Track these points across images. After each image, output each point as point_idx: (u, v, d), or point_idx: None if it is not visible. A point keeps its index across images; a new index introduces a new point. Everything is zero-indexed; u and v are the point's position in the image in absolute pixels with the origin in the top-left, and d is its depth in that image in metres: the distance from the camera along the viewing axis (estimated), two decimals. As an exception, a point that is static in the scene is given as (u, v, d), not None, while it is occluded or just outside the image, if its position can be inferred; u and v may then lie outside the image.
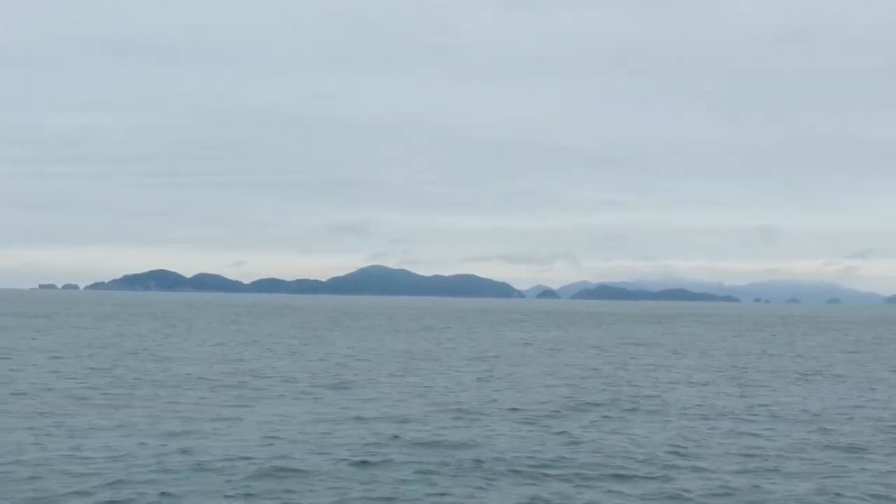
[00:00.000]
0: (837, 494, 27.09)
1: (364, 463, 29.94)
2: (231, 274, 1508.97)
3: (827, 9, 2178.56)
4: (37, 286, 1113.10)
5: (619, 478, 28.77)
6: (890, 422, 41.91)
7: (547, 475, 28.92)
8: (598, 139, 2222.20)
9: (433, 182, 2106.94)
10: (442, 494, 26.33)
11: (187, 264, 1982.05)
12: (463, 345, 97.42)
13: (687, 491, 27.09)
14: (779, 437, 37.08)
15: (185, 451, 31.17)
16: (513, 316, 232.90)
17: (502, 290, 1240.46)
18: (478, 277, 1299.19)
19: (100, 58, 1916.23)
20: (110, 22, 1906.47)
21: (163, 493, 25.60)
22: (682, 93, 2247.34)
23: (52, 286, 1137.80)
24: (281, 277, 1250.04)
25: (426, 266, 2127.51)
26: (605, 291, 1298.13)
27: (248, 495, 25.67)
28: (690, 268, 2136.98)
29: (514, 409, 43.27)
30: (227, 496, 25.53)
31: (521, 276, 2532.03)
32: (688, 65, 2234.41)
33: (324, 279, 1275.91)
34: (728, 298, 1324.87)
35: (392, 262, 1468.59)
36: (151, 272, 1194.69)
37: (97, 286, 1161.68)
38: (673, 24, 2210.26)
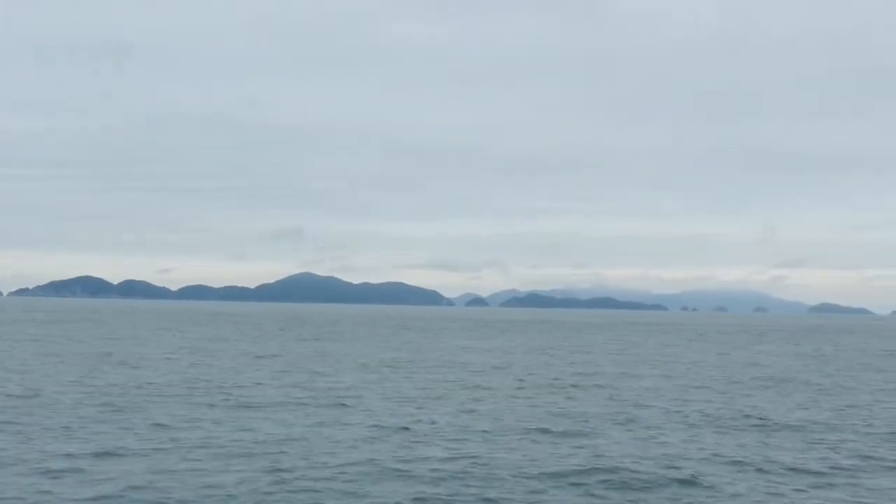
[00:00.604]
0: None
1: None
2: (158, 280, 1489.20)
3: (764, 16, 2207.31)
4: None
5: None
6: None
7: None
8: (530, 147, 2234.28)
9: (365, 189, 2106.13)
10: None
11: (114, 270, 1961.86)
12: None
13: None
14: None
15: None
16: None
17: (431, 297, 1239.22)
18: (407, 285, 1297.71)
19: (33, 61, 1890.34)
20: (45, 24, 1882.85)
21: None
22: (615, 101, 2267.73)
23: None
24: (208, 284, 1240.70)
25: (355, 273, 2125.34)
26: (535, 299, 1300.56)
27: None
28: (619, 276, 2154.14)
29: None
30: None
31: (450, 283, 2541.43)
32: (621, 73, 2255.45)
33: (252, 286, 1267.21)
34: (656, 307, 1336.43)
35: (321, 270, 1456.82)
36: (78, 278, 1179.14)
37: (22, 292, 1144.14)
38: (608, 32, 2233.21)
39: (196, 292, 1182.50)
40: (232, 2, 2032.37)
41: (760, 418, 46.91)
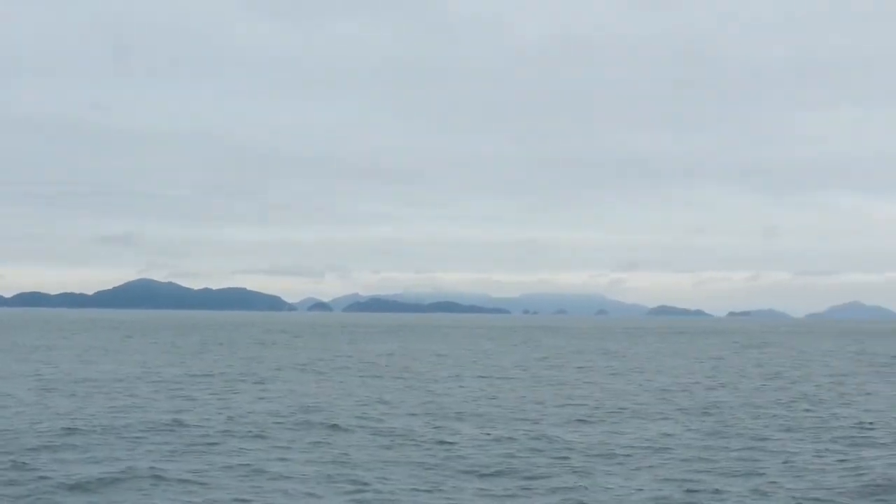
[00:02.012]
0: None
1: None
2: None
3: (599, 24, 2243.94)
4: None
5: None
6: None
7: None
8: (371, 152, 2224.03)
9: (206, 194, 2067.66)
10: None
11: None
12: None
13: None
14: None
15: None
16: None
17: (273, 303, 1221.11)
18: (248, 290, 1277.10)
19: None
20: None
21: None
22: (456, 107, 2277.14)
23: None
24: (44, 291, 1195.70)
25: (195, 279, 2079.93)
26: (377, 304, 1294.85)
27: None
28: (460, 280, 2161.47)
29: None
30: None
31: (292, 288, 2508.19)
32: (463, 79, 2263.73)
33: (90, 292, 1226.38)
34: (497, 310, 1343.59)
35: (161, 275, 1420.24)
36: None
37: None
38: (448, 39, 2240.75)
39: (31, 299, 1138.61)
40: (73, 1, 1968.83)
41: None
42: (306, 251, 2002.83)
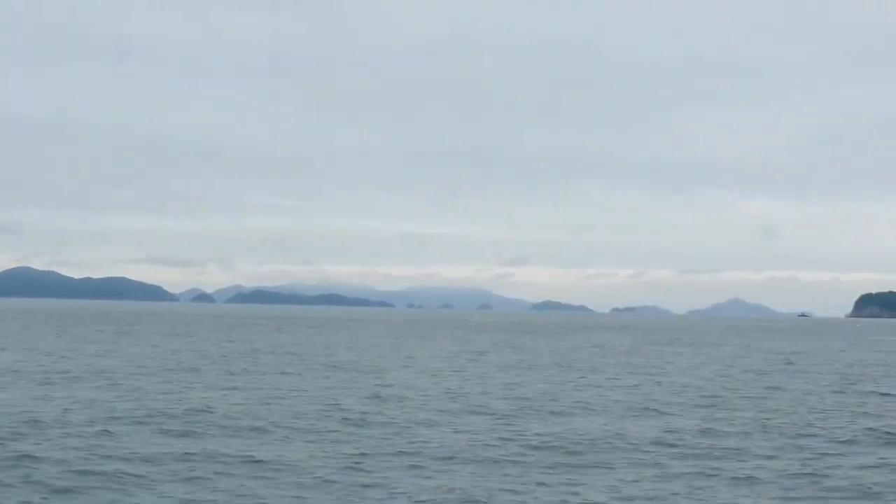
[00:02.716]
0: None
1: None
2: None
3: (486, 20, 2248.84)
4: None
5: None
6: None
7: None
8: (258, 143, 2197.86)
9: (87, 182, 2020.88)
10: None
11: None
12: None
13: None
14: None
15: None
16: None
17: (155, 293, 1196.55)
18: (129, 280, 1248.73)
19: None
20: None
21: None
22: (344, 99, 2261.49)
23: None
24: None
25: (76, 268, 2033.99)
26: (261, 296, 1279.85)
27: None
28: (345, 273, 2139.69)
29: None
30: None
31: (174, 279, 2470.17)
32: (351, 71, 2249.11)
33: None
34: (382, 304, 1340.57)
35: (40, 264, 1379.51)
36: None
37: None
38: (336, 29, 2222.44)
39: None
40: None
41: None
42: (190, 241, 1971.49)
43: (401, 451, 34.22)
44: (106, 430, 37.04)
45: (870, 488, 30.07)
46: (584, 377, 69.75)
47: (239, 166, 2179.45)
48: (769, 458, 34.68)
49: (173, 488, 27.56)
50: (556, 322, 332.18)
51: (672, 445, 36.59)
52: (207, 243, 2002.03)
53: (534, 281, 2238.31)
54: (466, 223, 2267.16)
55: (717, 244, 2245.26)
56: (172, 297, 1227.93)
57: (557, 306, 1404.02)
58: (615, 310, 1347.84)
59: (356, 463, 31.82)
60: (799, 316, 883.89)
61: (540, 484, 29.02)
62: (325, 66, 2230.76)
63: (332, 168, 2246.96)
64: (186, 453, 32.45)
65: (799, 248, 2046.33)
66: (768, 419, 45.14)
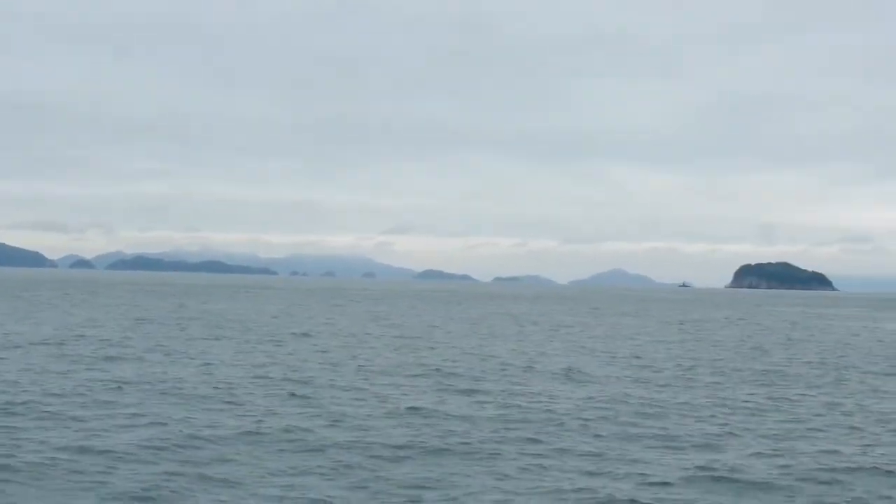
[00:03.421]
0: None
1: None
2: None
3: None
4: None
5: None
6: None
7: None
8: (141, 108, 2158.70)
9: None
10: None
11: None
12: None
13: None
14: None
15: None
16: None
17: (34, 259, 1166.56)
18: (7, 246, 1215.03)
19: None
20: None
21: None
22: (230, 66, 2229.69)
23: None
24: None
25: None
26: (142, 262, 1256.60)
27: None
28: (228, 240, 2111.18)
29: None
30: None
31: (53, 245, 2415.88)
32: (237, 40, 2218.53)
33: None
34: (265, 271, 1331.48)
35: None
36: None
37: None
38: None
39: None
40: None
41: None
42: (69, 207, 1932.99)
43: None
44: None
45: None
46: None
47: (120, 132, 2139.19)
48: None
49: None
50: (452, 291, 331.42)
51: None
52: (87, 209, 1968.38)
53: (417, 249, 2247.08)
54: (350, 191, 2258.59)
55: (599, 215, 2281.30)
56: (52, 264, 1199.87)
57: (441, 275, 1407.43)
58: (498, 279, 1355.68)
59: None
60: (680, 286, 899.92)
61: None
62: (210, 33, 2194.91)
63: (214, 135, 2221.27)
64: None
65: (680, 220, 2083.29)
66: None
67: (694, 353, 64.89)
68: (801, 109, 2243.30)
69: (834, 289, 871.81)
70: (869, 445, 29.55)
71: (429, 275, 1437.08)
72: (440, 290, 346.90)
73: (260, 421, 30.39)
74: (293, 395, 36.98)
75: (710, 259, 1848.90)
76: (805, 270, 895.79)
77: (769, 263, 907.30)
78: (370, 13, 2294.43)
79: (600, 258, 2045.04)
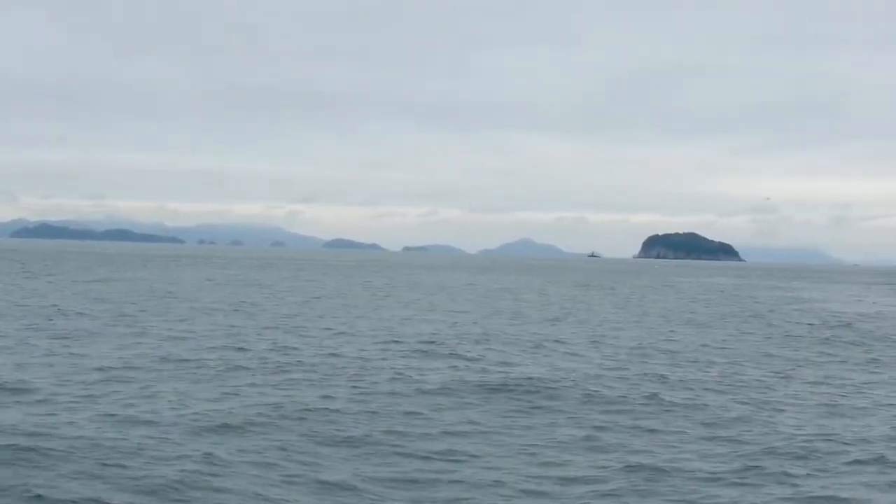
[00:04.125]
0: None
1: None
2: None
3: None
4: None
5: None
6: None
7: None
8: (45, 75, 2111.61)
9: None
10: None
11: None
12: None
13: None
14: None
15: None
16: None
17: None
18: None
19: None
20: None
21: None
22: (135, 31, 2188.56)
23: None
24: None
25: None
26: (47, 230, 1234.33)
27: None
28: (134, 208, 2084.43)
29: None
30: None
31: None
32: (143, 3, 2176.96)
33: None
34: (173, 240, 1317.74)
35: None
36: None
37: None
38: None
39: None
40: None
41: None
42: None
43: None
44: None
45: None
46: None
47: (20, 97, 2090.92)
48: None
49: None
50: (371, 260, 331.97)
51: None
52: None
53: (325, 218, 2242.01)
54: (258, 160, 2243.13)
55: (508, 185, 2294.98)
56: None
57: (350, 244, 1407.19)
58: (407, 248, 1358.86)
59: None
60: (589, 256, 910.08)
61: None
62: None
63: (120, 101, 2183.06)
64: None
65: (588, 190, 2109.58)
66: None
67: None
68: (710, 79, 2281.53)
69: (741, 259, 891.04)
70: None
71: (337, 244, 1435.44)
72: (338, 260, 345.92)
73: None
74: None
75: (618, 229, 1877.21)
76: (712, 241, 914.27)
77: (677, 234, 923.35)
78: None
79: (509, 228, 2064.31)
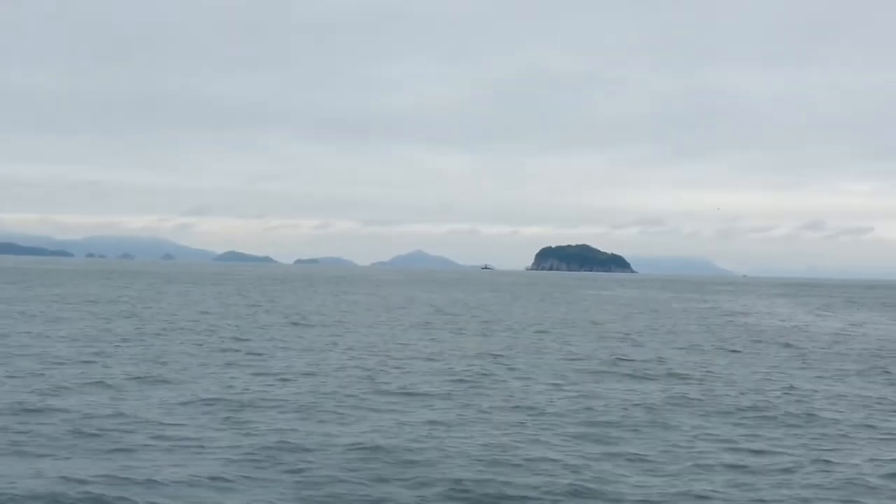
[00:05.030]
0: None
1: None
2: None
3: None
4: None
5: None
6: None
7: None
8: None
9: None
10: None
11: None
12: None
13: None
14: None
15: None
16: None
17: None
18: None
19: None
20: None
21: None
22: (19, 39, 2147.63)
23: None
24: None
25: None
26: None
27: None
28: (18, 221, 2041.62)
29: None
30: None
31: None
32: (28, 11, 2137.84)
33: None
34: (61, 253, 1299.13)
35: None
36: None
37: None
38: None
39: None
40: None
41: None
42: None
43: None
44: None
45: None
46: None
47: None
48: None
49: None
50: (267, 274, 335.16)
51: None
52: None
53: (217, 231, 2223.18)
54: (148, 172, 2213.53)
55: (400, 197, 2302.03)
56: None
57: (241, 257, 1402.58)
58: (299, 261, 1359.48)
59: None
60: (482, 268, 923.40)
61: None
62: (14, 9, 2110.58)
63: (3, 111, 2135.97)
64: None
65: (480, 202, 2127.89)
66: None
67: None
68: (602, 90, 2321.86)
69: (633, 270, 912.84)
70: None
71: (229, 257, 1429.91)
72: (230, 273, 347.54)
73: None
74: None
75: (510, 241, 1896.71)
76: (604, 252, 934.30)
77: (569, 246, 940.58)
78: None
79: (401, 240, 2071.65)
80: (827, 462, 24.30)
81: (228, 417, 28.05)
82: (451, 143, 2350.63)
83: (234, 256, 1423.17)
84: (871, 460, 24.81)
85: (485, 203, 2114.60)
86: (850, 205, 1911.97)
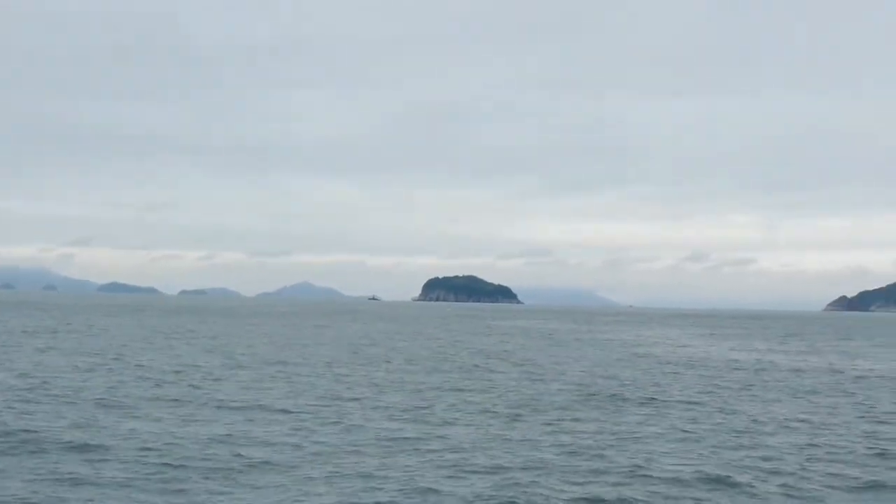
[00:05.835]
0: None
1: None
2: None
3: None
4: None
5: None
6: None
7: None
8: None
9: None
10: None
11: None
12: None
13: None
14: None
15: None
16: None
17: None
18: None
19: None
20: None
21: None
22: None
23: None
24: None
25: None
26: None
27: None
28: None
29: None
30: None
31: None
32: None
33: None
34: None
35: None
36: None
37: None
38: None
39: None
40: None
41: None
42: None
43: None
44: None
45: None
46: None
47: None
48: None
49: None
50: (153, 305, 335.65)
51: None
52: None
53: (100, 262, 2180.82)
54: (28, 201, 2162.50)
55: (286, 228, 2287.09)
56: None
57: (125, 288, 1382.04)
58: (184, 292, 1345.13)
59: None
60: (370, 299, 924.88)
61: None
62: None
63: None
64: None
65: (367, 233, 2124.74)
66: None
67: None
68: (486, 122, 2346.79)
69: (519, 301, 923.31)
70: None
71: (112, 287, 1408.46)
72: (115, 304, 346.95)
73: None
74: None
75: (397, 272, 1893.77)
76: (491, 283, 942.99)
77: (456, 277, 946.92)
78: (53, 13, 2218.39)
79: (287, 271, 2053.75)
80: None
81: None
82: (338, 174, 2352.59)
83: (117, 287, 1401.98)
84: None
85: (371, 234, 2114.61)
86: (734, 237, 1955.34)
